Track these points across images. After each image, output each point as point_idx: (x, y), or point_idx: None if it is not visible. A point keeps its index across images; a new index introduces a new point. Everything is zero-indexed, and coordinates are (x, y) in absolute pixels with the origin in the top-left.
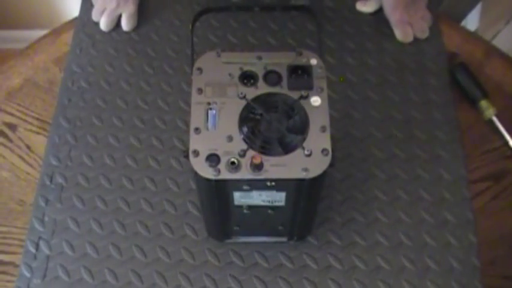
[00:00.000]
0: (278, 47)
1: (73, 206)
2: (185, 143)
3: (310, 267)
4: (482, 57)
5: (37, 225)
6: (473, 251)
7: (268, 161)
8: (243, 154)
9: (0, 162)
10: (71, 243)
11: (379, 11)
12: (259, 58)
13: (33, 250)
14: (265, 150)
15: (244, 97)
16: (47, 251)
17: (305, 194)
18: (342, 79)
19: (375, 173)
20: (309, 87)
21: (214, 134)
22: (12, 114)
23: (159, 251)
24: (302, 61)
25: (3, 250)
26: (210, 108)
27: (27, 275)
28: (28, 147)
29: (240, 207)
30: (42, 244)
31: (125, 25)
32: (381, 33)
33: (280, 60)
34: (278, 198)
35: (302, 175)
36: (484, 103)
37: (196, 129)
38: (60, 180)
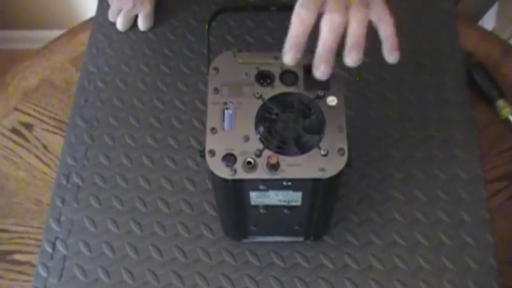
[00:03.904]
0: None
1: (90, 205)
2: (201, 142)
3: (327, 267)
4: (499, 57)
5: (54, 225)
6: (490, 251)
7: (285, 161)
8: (259, 154)
9: (17, 162)
10: (88, 243)
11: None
12: (276, 58)
13: (49, 250)
14: (281, 150)
15: (260, 97)
16: (63, 251)
17: (321, 193)
18: (358, 79)
19: (392, 173)
20: (326, 87)
21: (231, 134)
22: (28, 114)
23: (176, 251)
24: None
25: (20, 250)
26: (227, 108)
27: (44, 274)
28: (45, 147)
29: (257, 207)
30: (58, 244)
31: (142, 25)
32: (398, 32)
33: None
34: (294, 198)
35: (318, 175)
36: (500, 102)
37: (213, 129)
38: (76, 180)
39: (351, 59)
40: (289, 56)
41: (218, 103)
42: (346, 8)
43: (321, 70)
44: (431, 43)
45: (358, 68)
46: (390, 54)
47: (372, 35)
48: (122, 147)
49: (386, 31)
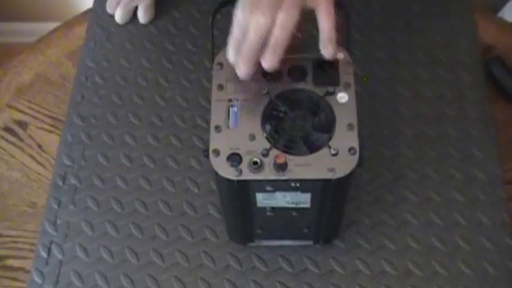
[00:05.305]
0: (303, 41)
1: (87, 208)
2: (205, 141)
3: (337, 272)
4: None
5: (49, 229)
6: (508, 255)
7: (293, 161)
8: (266, 153)
9: (10, 162)
10: (85, 248)
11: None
12: None
13: (44, 255)
14: (289, 149)
15: (267, 93)
16: (59, 256)
17: (331, 195)
18: (366, 79)
19: (405, 173)
20: (336, 83)
21: (236, 133)
22: (22, 112)
23: (178, 255)
24: None
25: (13, 255)
26: (232, 105)
27: (39, 281)
28: (39, 146)
29: (263, 209)
30: (54, 248)
31: (142, 17)
32: (411, 26)
33: (305, 55)
34: (303, 199)
35: (328, 175)
36: None
37: (217, 128)
38: (73, 181)
39: (266, 61)
40: (229, 53)
41: (223, 100)
42: (279, 8)
43: (240, 70)
44: (447, 36)
45: (370, 64)
46: (324, 48)
47: (386, 29)
48: (121, 147)
49: (323, 23)
